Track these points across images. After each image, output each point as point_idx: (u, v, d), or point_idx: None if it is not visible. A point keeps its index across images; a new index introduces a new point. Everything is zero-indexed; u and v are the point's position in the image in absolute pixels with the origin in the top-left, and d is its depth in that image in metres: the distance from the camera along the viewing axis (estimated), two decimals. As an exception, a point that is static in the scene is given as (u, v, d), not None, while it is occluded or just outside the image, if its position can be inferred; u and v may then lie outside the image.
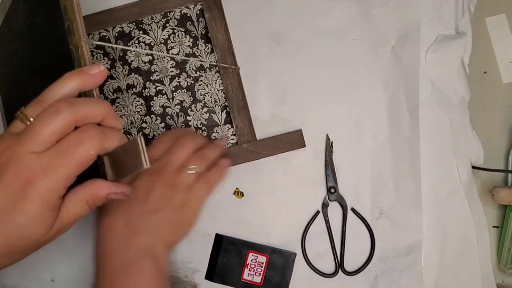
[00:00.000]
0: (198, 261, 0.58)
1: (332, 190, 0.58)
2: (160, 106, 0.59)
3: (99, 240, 0.50)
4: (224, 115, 0.59)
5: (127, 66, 0.60)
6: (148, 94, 0.59)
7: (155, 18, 0.59)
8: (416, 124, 0.58)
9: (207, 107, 0.59)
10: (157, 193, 0.50)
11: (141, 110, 0.59)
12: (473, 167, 0.59)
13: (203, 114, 0.59)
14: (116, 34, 0.60)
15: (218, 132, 0.59)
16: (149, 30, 0.60)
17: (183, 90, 0.59)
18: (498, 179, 0.62)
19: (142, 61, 0.60)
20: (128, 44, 0.59)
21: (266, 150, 0.58)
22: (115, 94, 0.60)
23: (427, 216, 0.57)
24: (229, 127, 0.59)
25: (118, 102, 0.60)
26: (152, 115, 0.59)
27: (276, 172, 0.59)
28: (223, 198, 0.58)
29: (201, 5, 0.59)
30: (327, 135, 0.59)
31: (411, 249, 0.56)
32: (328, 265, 0.58)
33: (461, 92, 0.59)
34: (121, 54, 0.60)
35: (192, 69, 0.59)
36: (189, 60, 0.58)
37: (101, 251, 0.49)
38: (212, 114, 0.59)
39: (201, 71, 0.59)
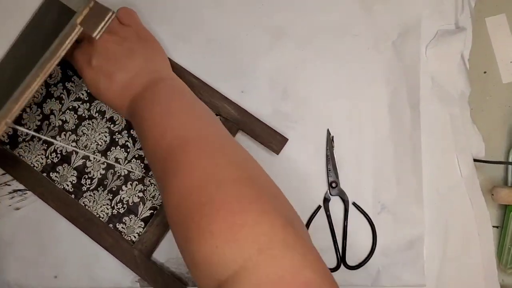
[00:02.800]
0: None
1: (334, 185, 0.58)
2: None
3: (106, 98, 0.51)
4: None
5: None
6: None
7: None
8: (417, 119, 0.58)
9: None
10: (114, 41, 0.51)
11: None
12: (475, 160, 0.59)
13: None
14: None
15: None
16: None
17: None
18: (498, 179, 0.62)
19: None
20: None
21: None
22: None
23: (428, 210, 0.57)
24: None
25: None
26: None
27: (277, 167, 0.58)
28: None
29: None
30: (328, 129, 0.59)
31: (413, 243, 0.56)
32: (330, 260, 0.57)
33: (461, 87, 0.59)
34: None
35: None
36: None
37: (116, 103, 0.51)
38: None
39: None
